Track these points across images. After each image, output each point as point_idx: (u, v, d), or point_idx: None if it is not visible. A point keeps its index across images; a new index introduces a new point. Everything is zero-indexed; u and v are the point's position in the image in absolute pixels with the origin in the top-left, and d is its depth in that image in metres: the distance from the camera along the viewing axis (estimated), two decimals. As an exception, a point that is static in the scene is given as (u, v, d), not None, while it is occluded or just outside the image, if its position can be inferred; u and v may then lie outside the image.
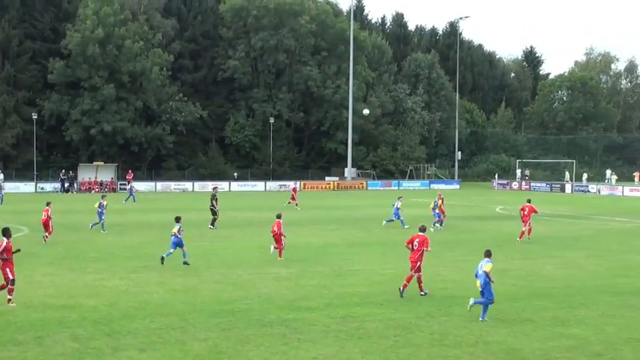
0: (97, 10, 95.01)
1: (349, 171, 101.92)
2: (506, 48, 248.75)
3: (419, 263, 22.93)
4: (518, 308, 21.19)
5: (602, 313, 20.64)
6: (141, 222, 46.79)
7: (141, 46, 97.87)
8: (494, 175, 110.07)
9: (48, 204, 36.51)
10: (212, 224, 42.88)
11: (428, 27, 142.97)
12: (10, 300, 20.83)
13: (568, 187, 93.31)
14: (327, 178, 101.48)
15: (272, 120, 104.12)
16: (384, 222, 44.17)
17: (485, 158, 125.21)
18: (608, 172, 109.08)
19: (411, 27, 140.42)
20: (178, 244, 28.24)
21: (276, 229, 30.57)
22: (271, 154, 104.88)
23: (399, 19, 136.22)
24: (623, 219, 50.86)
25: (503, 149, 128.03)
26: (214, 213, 43.28)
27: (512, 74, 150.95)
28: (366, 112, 61.92)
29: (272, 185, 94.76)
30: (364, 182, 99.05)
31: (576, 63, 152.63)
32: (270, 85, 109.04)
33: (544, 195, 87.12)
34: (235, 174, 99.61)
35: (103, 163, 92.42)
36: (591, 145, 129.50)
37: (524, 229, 38.13)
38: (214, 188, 47.51)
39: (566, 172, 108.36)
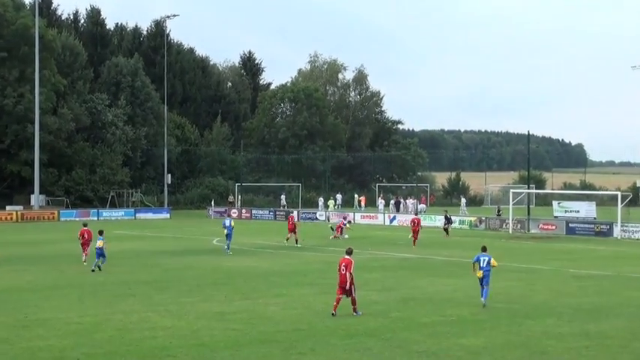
0: None
1: (36, 198, 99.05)
2: (222, 53, 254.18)
3: (352, 286, 27.79)
4: (241, 357, 21.54)
5: (335, 358, 21.42)
6: None
7: None
8: (211, 201, 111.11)
9: None
10: None
11: (130, 26, 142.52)
12: None
13: (295, 215, 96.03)
14: (8, 208, 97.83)
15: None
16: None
17: (200, 182, 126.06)
18: (339, 196, 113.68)
19: (110, 25, 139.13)
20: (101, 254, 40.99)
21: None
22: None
23: (94, 15, 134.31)
24: (355, 250, 53.05)
25: (220, 171, 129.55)
26: None
27: (229, 84, 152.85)
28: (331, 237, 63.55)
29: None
30: (56, 212, 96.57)
31: (300, 72, 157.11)
32: None
33: (266, 224, 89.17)
34: None
35: None
36: (318, 166, 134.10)
37: (415, 238, 57.83)
38: None
39: (282, 196, 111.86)
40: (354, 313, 27.74)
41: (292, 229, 58.82)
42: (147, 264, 45.41)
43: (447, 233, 68.40)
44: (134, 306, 30.12)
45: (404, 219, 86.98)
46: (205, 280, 37.55)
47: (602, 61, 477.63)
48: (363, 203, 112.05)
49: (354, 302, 27.94)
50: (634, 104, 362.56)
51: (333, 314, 27.56)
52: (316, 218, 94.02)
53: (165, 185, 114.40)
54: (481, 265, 29.89)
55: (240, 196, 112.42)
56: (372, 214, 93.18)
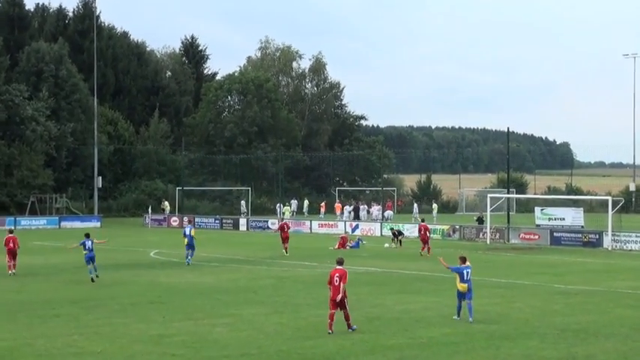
0: None
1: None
2: (161, 38, 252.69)
3: (344, 299, 28.58)
4: (181, 386, 21.51)
5: (288, 387, 21.49)
6: None
7: None
8: (147, 207, 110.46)
9: None
10: None
11: (53, 6, 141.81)
12: None
13: (243, 224, 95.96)
14: None
15: None
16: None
17: (135, 185, 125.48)
18: (294, 202, 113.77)
19: (30, 6, 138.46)
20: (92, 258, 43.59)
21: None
22: None
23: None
24: (311, 263, 53.10)
25: (159, 173, 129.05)
26: None
27: (169, 73, 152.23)
28: (386, 245, 67.77)
29: None
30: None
31: (249, 60, 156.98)
32: None
33: (211, 233, 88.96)
34: None
35: None
36: (270, 168, 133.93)
37: (428, 246, 59.51)
38: None
39: (242, 202, 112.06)
40: (349, 329, 28.57)
41: (287, 238, 61.01)
42: (73, 280, 45.07)
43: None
44: (58, 329, 29.87)
45: (367, 227, 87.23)
46: (141, 298, 37.37)
47: (590, 51, 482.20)
48: (322, 210, 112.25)
49: (347, 317, 28.81)
50: (625, 99, 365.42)
51: (329, 332, 28.27)
52: (268, 227, 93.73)
53: (96, 189, 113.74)
54: (465, 277, 30.75)
55: (167, 203, 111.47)
56: (331, 222, 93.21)
